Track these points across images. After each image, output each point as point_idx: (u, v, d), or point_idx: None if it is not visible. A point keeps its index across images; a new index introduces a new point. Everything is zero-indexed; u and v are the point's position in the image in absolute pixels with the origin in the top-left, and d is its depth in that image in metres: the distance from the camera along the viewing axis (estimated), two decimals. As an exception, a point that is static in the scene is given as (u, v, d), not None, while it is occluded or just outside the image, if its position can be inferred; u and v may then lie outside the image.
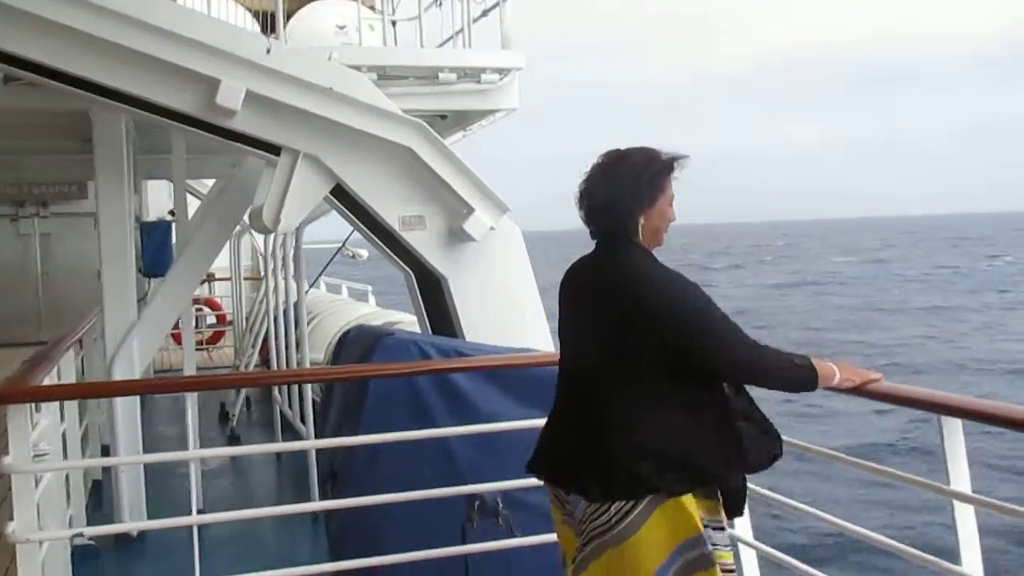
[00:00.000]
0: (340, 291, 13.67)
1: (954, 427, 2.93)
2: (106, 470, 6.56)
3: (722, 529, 2.72)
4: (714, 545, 2.67)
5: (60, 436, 4.87)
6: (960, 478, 2.92)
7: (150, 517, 5.93)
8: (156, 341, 6.22)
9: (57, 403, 4.68)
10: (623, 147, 2.87)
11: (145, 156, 9.03)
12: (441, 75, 6.38)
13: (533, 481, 4.07)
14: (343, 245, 9.64)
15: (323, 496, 4.69)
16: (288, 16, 7.11)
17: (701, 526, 2.62)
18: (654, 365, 2.64)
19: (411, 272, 5.62)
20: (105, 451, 6.91)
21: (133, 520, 5.84)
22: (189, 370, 6.55)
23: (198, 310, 14.73)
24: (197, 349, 14.23)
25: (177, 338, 13.89)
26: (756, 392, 2.83)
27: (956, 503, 2.93)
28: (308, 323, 9.27)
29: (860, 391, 3.03)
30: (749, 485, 2.85)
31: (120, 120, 5.90)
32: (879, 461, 3.16)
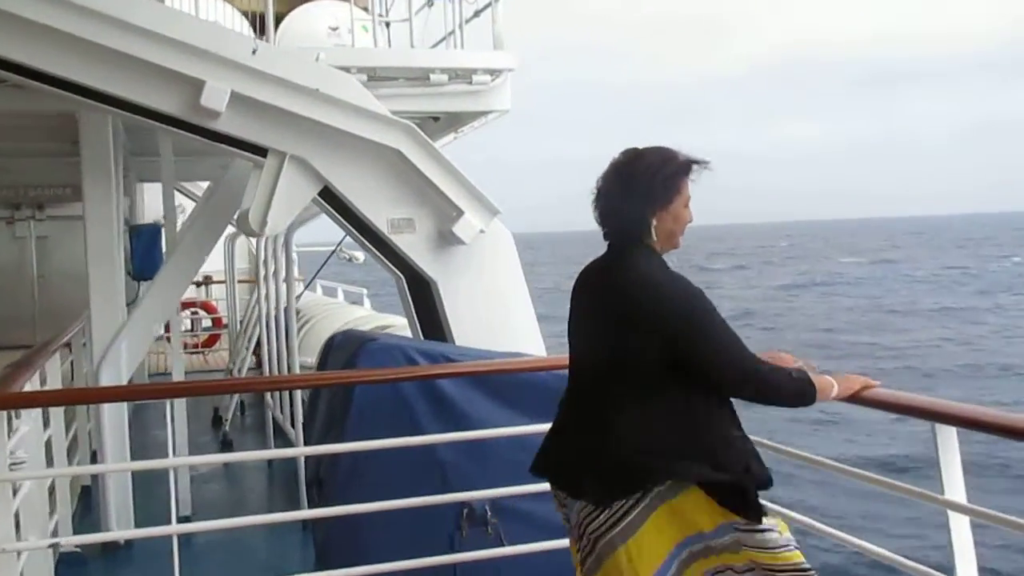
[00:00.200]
0: (336, 294, 13.60)
1: (948, 435, 2.86)
2: (95, 476, 6.49)
3: (764, 531, 2.60)
4: (764, 549, 2.59)
5: (42, 443, 4.79)
6: (955, 487, 2.85)
7: (139, 523, 5.86)
8: (144, 345, 6.14)
9: (39, 410, 4.62)
10: (640, 146, 2.80)
11: (137, 159, 8.98)
12: (432, 76, 6.30)
13: (523, 489, 4.03)
14: (337, 247, 9.57)
15: (310, 503, 4.61)
16: (280, 18, 7.05)
17: (708, 525, 2.59)
18: (656, 369, 2.59)
19: (401, 276, 5.55)
20: (95, 457, 6.84)
21: (120, 527, 5.76)
22: (177, 375, 6.48)
23: (194, 313, 14.69)
24: (193, 352, 14.30)
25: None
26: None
27: (951, 513, 2.85)
28: (302, 326, 9.21)
29: (854, 398, 2.97)
30: None
31: (107, 122, 5.83)
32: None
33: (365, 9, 7.45)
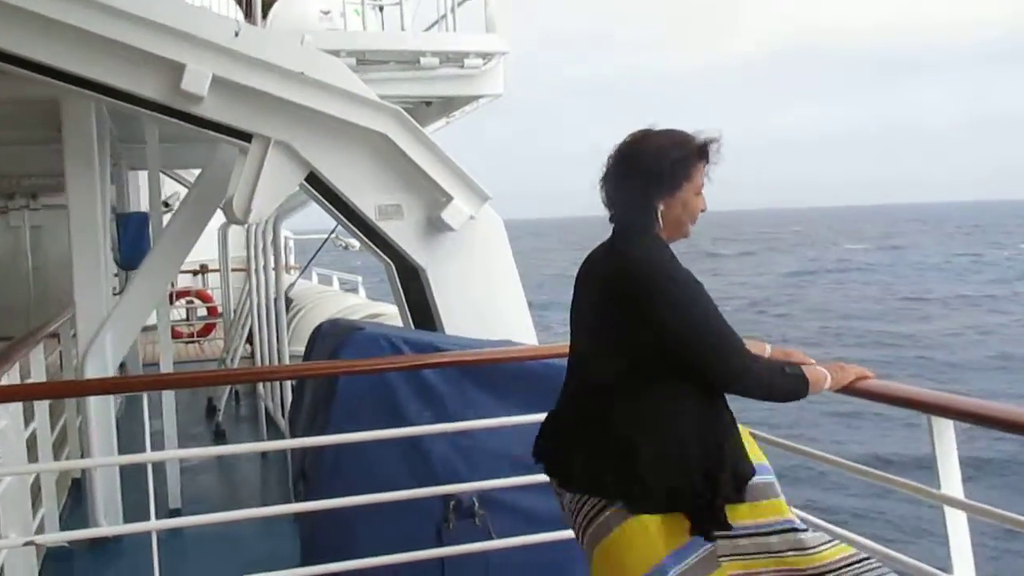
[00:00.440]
0: (331, 282, 13.51)
1: (945, 428, 2.76)
2: (84, 469, 6.41)
3: (789, 531, 2.51)
4: (798, 551, 2.49)
5: (23, 438, 4.71)
6: (951, 482, 2.75)
7: (128, 516, 5.78)
8: (131, 336, 6.04)
9: (19, 404, 4.53)
10: (652, 127, 2.67)
11: (128, 146, 8.87)
12: (423, 60, 6.18)
13: (511, 481, 3.95)
14: (331, 235, 9.47)
15: (296, 497, 4.53)
16: (271, 2, 6.92)
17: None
18: (649, 360, 2.50)
19: (391, 263, 5.44)
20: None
21: (109, 521, 5.68)
22: (165, 366, 6.38)
23: (189, 302, 14.61)
24: (189, 342, 14.23)
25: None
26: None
27: (947, 508, 2.76)
28: (295, 315, 9.13)
29: (848, 389, 2.87)
30: None
31: (90, 107, 5.71)
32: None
33: (358, -8, 7.32)
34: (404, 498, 3.80)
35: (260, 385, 8.23)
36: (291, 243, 16.46)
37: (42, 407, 5.35)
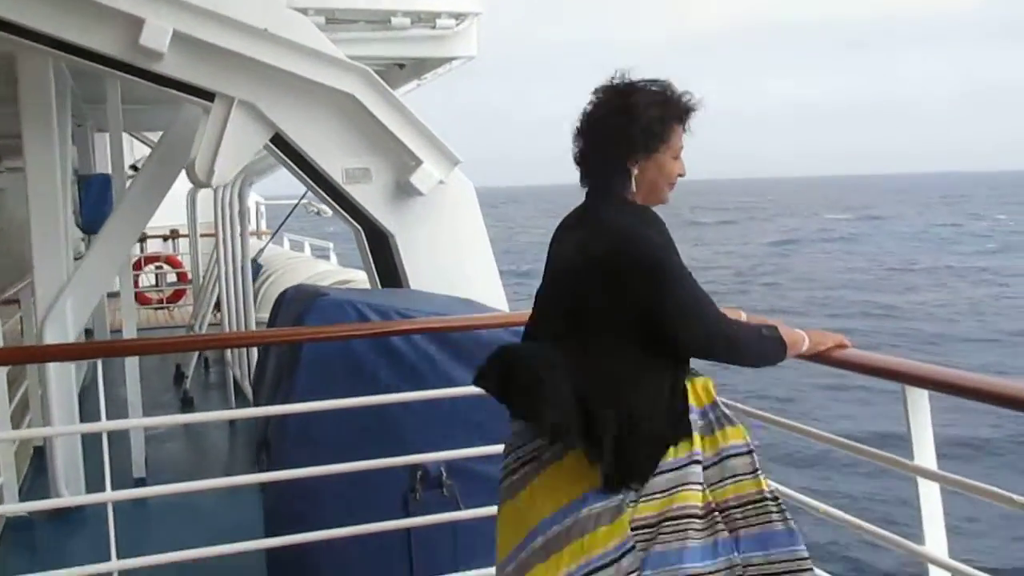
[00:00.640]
0: (303, 248, 13.35)
1: (919, 398, 2.70)
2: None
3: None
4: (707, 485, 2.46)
5: None
6: (925, 453, 2.70)
7: (92, 485, 5.66)
8: (92, 301, 5.89)
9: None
10: (632, 80, 2.51)
11: (92, 107, 8.65)
12: (394, 20, 6.04)
13: (479, 450, 3.86)
14: (301, 200, 9.32)
15: (259, 466, 4.42)
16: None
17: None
18: (621, 326, 2.40)
19: (359, 228, 5.32)
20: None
21: (70, 491, 5.57)
22: (129, 332, 6.24)
23: (158, 268, 14.40)
24: (158, 308, 14.04)
25: (139, 297, 13.64)
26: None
27: (920, 479, 2.70)
28: (264, 281, 8.99)
29: (822, 358, 2.81)
30: None
31: (47, 65, 5.52)
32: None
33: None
34: (370, 468, 3.71)
35: (228, 352, 8.09)
36: (262, 208, 16.25)
37: (0, 374, 5.22)
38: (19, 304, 6.76)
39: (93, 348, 4.73)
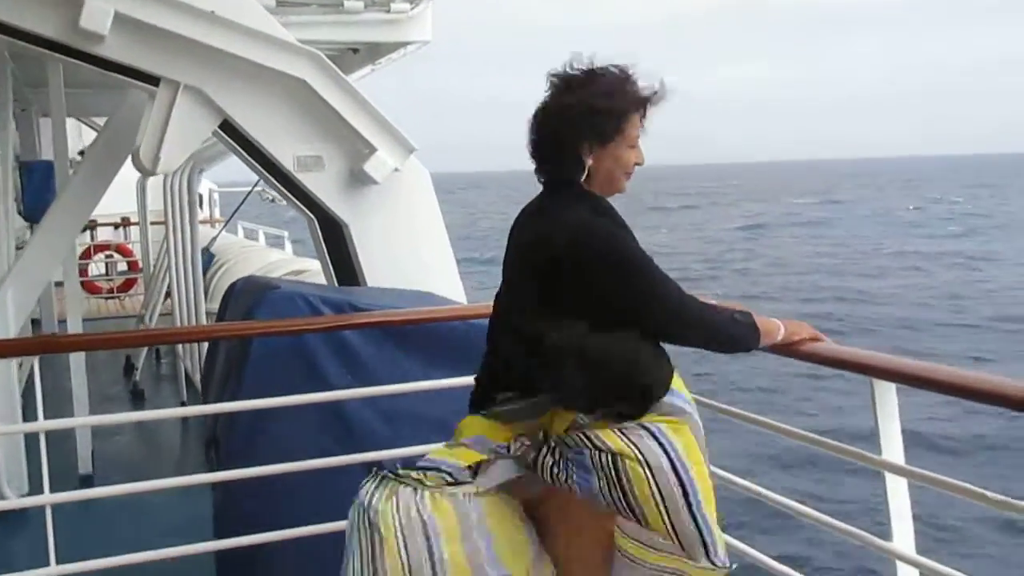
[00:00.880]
0: (257, 236, 13.10)
1: (886, 391, 2.64)
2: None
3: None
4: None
5: None
6: (893, 447, 2.65)
7: (34, 484, 5.47)
8: (34, 292, 5.67)
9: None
10: (592, 66, 2.43)
11: (36, 91, 8.38)
12: (346, 3, 5.86)
13: (435, 447, 3.76)
14: (254, 187, 9.10)
15: (208, 463, 4.28)
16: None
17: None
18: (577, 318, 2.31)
19: (312, 217, 5.17)
20: None
21: (13, 492, 5.37)
22: (74, 326, 6.02)
23: (108, 256, 14.07)
24: (108, 297, 13.72)
25: (88, 287, 13.30)
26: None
27: (888, 475, 2.65)
28: (216, 270, 8.78)
29: (787, 351, 2.74)
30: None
31: (-17, 47, 5.30)
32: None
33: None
34: (323, 466, 3.59)
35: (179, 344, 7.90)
36: (216, 196, 15.95)
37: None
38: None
39: (32, 344, 4.53)
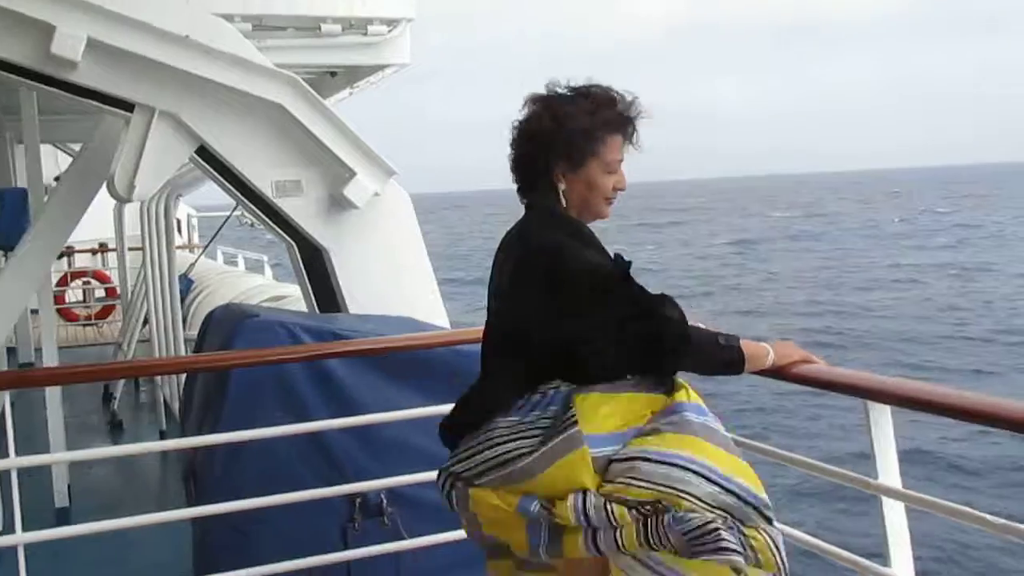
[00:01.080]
0: (238, 261, 12.98)
1: (881, 414, 2.58)
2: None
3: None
4: None
5: None
6: (889, 471, 2.58)
7: (7, 519, 5.33)
8: (8, 320, 5.57)
9: None
10: (571, 87, 2.37)
11: (11, 118, 8.28)
12: (323, 26, 5.80)
13: (421, 476, 3.66)
14: (233, 212, 8.99)
15: (187, 496, 4.18)
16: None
17: None
18: (547, 351, 2.28)
19: (292, 243, 5.09)
20: None
21: None
22: (48, 357, 5.90)
23: (86, 283, 13.91)
24: (86, 324, 13.54)
25: (65, 314, 13.13)
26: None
27: (884, 499, 2.59)
28: (195, 296, 8.67)
29: (778, 374, 2.67)
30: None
31: (-47, 75, 5.19)
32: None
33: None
34: (305, 499, 3.50)
35: (158, 374, 7.77)
36: (194, 221, 15.81)
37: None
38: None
39: (6, 378, 4.41)
